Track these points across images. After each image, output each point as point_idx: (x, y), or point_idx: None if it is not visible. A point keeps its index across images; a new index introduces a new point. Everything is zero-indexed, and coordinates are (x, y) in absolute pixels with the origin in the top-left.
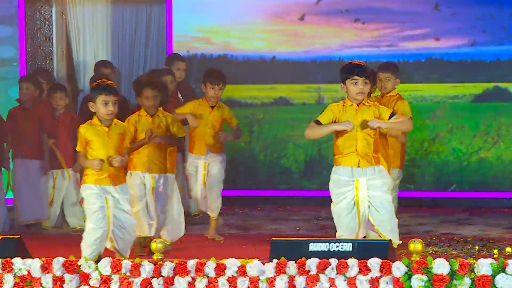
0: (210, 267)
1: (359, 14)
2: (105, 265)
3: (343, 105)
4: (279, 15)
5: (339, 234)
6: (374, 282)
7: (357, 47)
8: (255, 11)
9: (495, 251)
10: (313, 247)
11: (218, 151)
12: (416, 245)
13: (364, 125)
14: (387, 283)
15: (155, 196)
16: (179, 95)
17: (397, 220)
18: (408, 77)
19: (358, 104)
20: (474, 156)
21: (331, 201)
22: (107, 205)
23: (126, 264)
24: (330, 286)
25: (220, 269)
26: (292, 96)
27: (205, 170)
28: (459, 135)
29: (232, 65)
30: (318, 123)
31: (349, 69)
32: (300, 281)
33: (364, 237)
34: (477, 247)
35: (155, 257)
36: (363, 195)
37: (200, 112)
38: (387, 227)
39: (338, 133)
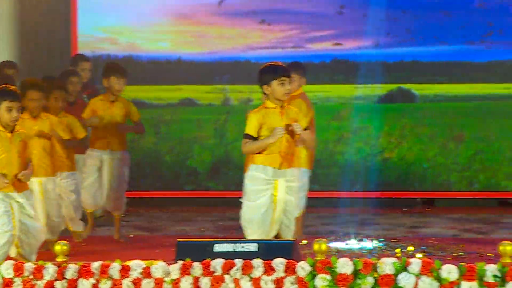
0: (114, 269)
1: (265, 16)
2: (7, 268)
3: (265, 108)
4: (184, 16)
5: (250, 232)
6: (279, 282)
7: (263, 48)
8: (161, 11)
9: (398, 250)
10: (218, 248)
11: (120, 148)
12: (320, 245)
13: (287, 127)
14: (292, 283)
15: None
16: (84, 96)
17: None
18: (313, 78)
19: (281, 106)
20: (378, 156)
21: (240, 200)
22: (12, 210)
23: (29, 266)
24: (235, 287)
25: (125, 271)
26: (198, 97)
27: (109, 167)
28: (364, 136)
29: (137, 66)
30: (249, 136)
31: (275, 70)
32: (205, 282)
33: (276, 236)
34: (380, 247)
35: (58, 259)
36: (281, 196)
37: (101, 107)
38: (292, 231)
39: (262, 134)
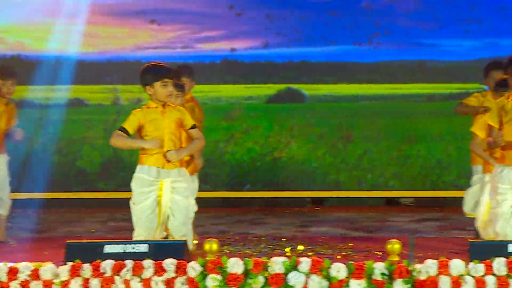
0: (1, 271)
1: (155, 15)
2: None
3: (147, 108)
4: (74, 15)
5: (137, 234)
6: (170, 283)
7: (152, 48)
8: (50, 10)
9: (288, 249)
10: (108, 249)
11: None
12: (211, 245)
13: (164, 155)
14: (182, 283)
15: None
16: None
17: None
18: (203, 79)
19: (164, 106)
20: (268, 156)
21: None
22: None
23: None
24: None
25: (13, 273)
26: (88, 97)
27: None
28: (254, 136)
29: (25, 65)
30: (123, 130)
31: (157, 71)
32: (95, 283)
33: (166, 237)
34: (270, 246)
35: None
36: (166, 197)
37: None
38: (179, 233)
39: (146, 134)
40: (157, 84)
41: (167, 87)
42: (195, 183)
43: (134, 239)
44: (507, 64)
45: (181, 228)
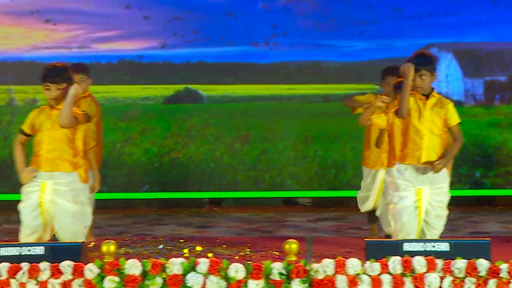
0: None
1: (50, 15)
2: None
3: (41, 108)
4: None
5: (22, 233)
6: (67, 285)
7: (48, 48)
8: None
9: (186, 250)
10: (3, 251)
11: None
12: (108, 247)
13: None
14: (80, 285)
15: None
16: None
17: (89, 224)
18: (100, 79)
19: (51, 106)
20: (165, 157)
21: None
22: None
23: None
24: None
25: None
26: None
27: None
28: (151, 136)
29: None
30: (23, 132)
31: (43, 74)
32: None
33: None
34: (168, 247)
35: None
36: (48, 199)
37: None
38: (67, 235)
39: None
40: (42, 87)
41: (49, 91)
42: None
43: (20, 238)
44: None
45: (69, 230)
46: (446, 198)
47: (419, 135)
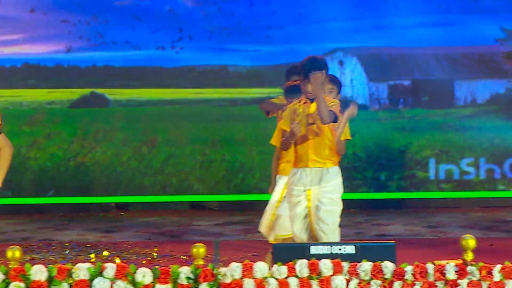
0: None
1: None
2: None
3: None
4: None
5: None
6: None
7: None
8: None
9: (92, 255)
10: None
11: None
12: (14, 252)
13: None
14: None
15: None
16: None
17: None
18: (4, 83)
19: None
20: (71, 161)
21: None
22: None
23: None
24: None
25: None
26: None
27: None
28: (57, 141)
29: None
30: None
31: None
32: None
33: None
34: (75, 252)
35: None
36: None
37: None
38: None
39: None
40: None
41: None
42: None
43: None
44: (300, 69)
45: None
46: (337, 194)
47: (306, 139)
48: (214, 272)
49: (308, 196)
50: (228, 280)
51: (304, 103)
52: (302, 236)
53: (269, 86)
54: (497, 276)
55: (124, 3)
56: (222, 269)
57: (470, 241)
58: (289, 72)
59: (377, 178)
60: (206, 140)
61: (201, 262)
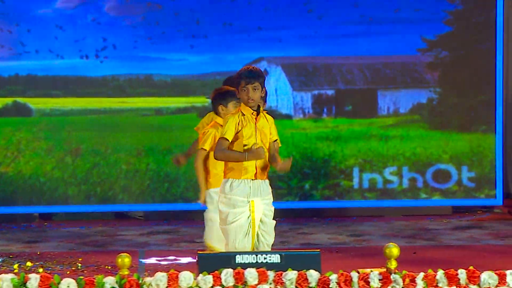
0: None
1: None
2: None
3: None
4: None
5: None
6: None
7: None
8: None
9: (16, 266)
10: None
11: None
12: None
13: None
14: None
15: None
16: None
17: None
18: None
19: None
20: None
21: None
22: None
23: None
24: None
25: None
26: None
27: None
28: None
29: None
30: None
31: None
32: None
33: None
34: None
35: None
36: None
37: None
38: None
39: None
40: None
41: None
42: None
43: None
44: (238, 79)
45: None
46: (273, 207)
47: None
48: (140, 282)
49: (252, 207)
50: None
51: (252, 114)
52: (245, 248)
53: (194, 95)
54: (420, 284)
55: (46, 12)
56: (148, 279)
57: (394, 250)
58: (225, 83)
59: (301, 187)
60: (130, 150)
61: (126, 272)
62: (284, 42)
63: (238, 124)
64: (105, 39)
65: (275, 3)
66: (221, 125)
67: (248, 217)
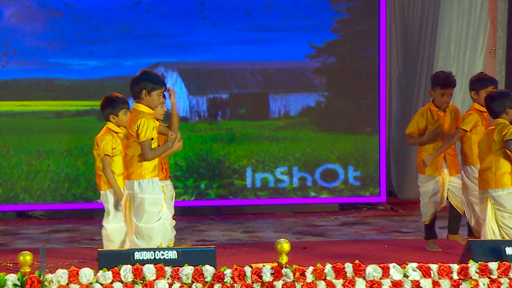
0: None
1: None
2: None
3: None
4: None
5: None
6: None
7: None
8: None
9: None
10: None
11: None
12: None
13: None
14: None
15: None
16: None
17: None
18: None
19: None
20: None
21: None
22: None
23: None
24: None
25: None
26: None
27: None
28: None
29: None
30: None
31: None
32: None
33: None
34: None
35: None
36: None
37: None
38: None
39: None
40: None
41: None
42: None
43: None
44: (143, 85)
45: None
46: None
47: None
48: (41, 279)
49: (162, 204)
50: (54, 287)
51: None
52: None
53: (93, 99)
54: (309, 277)
55: None
56: (49, 276)
57: (285, 245)
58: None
59: (197, 187)
60: (31, 151)
61: (27, 270)
62: (180, 48)
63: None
64: (6, 44)
65: (171, 11)
66: (114, 131)
67: (163, 213)
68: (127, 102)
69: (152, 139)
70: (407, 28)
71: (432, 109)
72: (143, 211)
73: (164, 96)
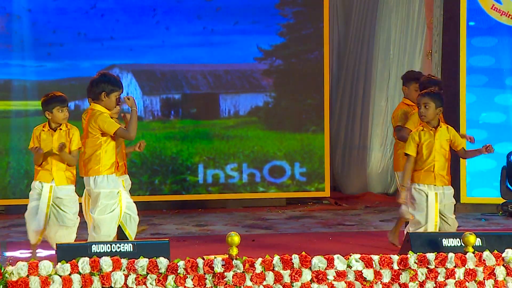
0: None
1: None
2: None
3: None
4: None
5: None
6: None
7: None
8: None
9: None
10: None
11: None
12: None
13: None
14: None
15: None
16: None
17: None
18: None
19: None
20: None
21: None
22: None
23: None
24: None
25: None
26: None
27: None
28: None
29: None
30: None
31: None
32: None
33: None
34: None
35: None
36: None
37: None
38: None
39: None
40: None
41: None
42: None
43: None
44: (102, 87)
45: None
46: None
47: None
48: (2, 271)
49: (120, 197)
50: (15, 278)
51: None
52: (113, 235)
53: None
54: (258, 268)
55: None
56: (9, 268)
57: (235, 238)
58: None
59: (152, 182)
60: None
61: None
62: (134, 51)
63: None
64: None
65: (126, 15)
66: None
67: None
68: (64, 101)
69: (120, 126)
70: (348, 32)
71: (408, 104)
72: (98, 203)
73: (119, 99)
